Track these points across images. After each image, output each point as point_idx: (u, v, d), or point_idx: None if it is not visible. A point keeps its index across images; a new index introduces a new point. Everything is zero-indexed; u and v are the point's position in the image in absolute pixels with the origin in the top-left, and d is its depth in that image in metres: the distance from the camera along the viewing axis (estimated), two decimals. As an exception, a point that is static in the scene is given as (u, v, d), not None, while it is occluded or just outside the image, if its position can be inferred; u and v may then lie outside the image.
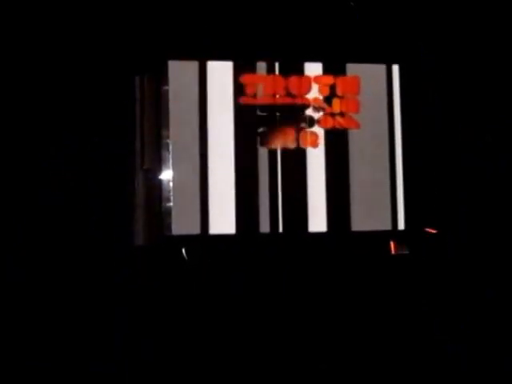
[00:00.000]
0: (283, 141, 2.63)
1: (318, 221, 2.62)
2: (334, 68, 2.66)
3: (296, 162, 2.64)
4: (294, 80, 2.64)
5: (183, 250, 2.54)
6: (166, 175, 2.58)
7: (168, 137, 2.58)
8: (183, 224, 2.57)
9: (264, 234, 2.61)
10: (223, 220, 2.59)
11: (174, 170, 2.57)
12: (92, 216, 2.52)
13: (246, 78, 2.63)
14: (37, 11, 2.55)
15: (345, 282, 2.60)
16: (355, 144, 2.67)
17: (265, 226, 2.61)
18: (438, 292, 2.63)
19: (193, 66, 2.61)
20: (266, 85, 2.63)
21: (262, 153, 2.64)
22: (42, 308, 2.45)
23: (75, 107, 2.55)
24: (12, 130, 2.52)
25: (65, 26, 2.56)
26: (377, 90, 2.69)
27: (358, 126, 2.66)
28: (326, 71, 2.66)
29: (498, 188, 2.69)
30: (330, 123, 2.65)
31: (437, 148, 2.70)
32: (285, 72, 2.65)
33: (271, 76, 2.64)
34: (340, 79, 2.66)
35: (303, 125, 2.64)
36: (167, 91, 2.58)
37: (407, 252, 2.65)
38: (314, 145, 2.64)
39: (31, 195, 2.50)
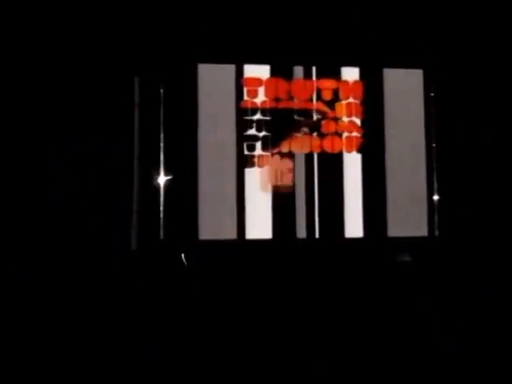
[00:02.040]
0: (287, 146, 2.59)
1: (354, 226, 2.58)
2: (370, 73, 2.65)
3: (333, 167, 2.61)
4: (296, 84, 2.62)
5: (182, 256, 2.49)
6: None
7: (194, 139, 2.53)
8: (218, 229, 2.50)
9: (300, 239, 2.56)
10: (260, 225, 2.54)
11: (206, 174, 2.52)
12: (92, 216, 2.48)
13: (246, 81, 2.59)
14: (40, 12, 2.51)
15: (381, 287, 2.56)
16: (392, 149, 2.65)
17: (301, 231, 2.56)
18: (438, 292, 2.61)
19: (227, 70, 2.58)
20: (267, 88, 2.60)
21: (299, 157, 2.60)
22: (42, 308, 2.41)
23: (76, 107, 2.51)
24: (12, 131, 2.48)
25: (66, 26, 2.52)
26: (414, 95, 2.70)
27: (360, 130, 2.64)
28: (362, 76, 2.65)
29: (498, 188, 2.69)
30: (333, 128, 2.63)
31: (466, 152, 2.72)
32: (321, 76, 2.63)
33: (273, 79, 2.61)
34: (343, 84, 2.65)
35: (305, 129, 2.61)
36: (171, 94, 2.54)
37: (411, 259, 2.64)
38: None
39: (31, 195, 2.47)
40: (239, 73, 2.58)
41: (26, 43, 2.48)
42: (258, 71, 2.59)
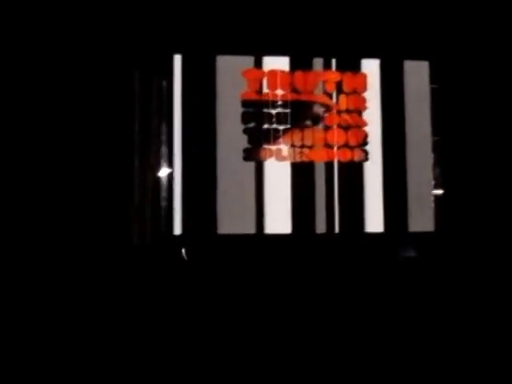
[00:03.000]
0: (290, 138, 2.55)
1: (374, 221, 2.54)
2: (391, 65, 2.60)
3: (353, 161, 2.56)
4: (299, 76, 2.57)
5: (183, 251, 2.46)
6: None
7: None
8: (236, 223, 2.48)
9: (320, 234, 2.52)
10: (279, 219, 2.51)
11: (225, 167, 2.49)
12: (92, 212, 2.43)
13: (248, 73, 2.55)
14: (34, 5, 2.46)
15: (402, 282, 2.52)
16: (412, 144, 2.60)
17: (321, 226, 2.52)
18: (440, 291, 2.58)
19: (246, 62, 2.55)
20: (269, 80, 2.56)
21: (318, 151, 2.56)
22: (39, 306, 2.36)
23: (73, 102, 2.46)
24: (8, 125, 2.42)
25: (62, 19, 2.47)
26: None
27: (364, 123, 2.59)
28: (382, 68, 2.60)
29: (504, 182, 2.65)
30: (336, 121, 2.59)
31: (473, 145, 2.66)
32: (342, 68, 2.59)
33: (275, 71, 2.56)
34: (347, 76, 2.60)
35: (308, 122, 2.57)
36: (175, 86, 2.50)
37: (415, 255, 2.59)
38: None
39: (28, 191, 2.41)
40: (258, 64, 2.55)
41: (23, 39, 2.43)
42: (277, 63, 2.55)
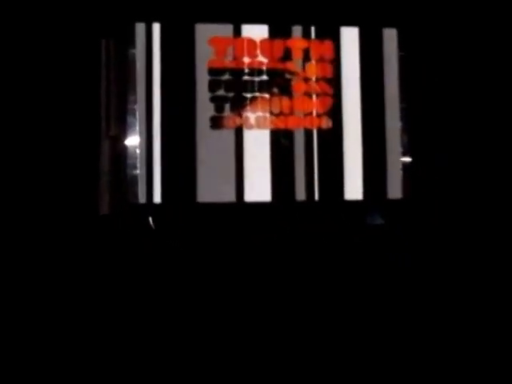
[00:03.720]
0: (255, 107, 2.53)
1: (354, 188, 2.55)
2: (370, 33, 2.60)
3: (332, 128, 2.57)
4: (265, 43, 2.56)
5: (150, 219, 2.44)
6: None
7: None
8: (215, 191, 2.47)
9: (300, 202, 2.53)
10: (259, 187, 2.51)
11: (204, 134, 2.48)
12: (58, 183, 2.38)
13: (214, 41, 2.53)
14: None
15: (382, 250, 2.54)
16: (392, 111, 2.61)
17: (301, 194, 2.53)
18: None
19: (225, 30, 2.53)
20: (235, 48, 2.54)
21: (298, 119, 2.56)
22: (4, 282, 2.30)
23: (35, 70, 2.40)
24: None
25: None
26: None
27: (331, 91, 2.59)
28: (361, 36, 2.60)
29: (473, 149, 2.66)
30: (303, 89, 2.58)
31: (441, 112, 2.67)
32: (320, 36, 2.58)
33: (241, 38, 2.55)
34: (314, 43, 2.59)
35: (275, 90, 2.55)
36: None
37: (382, 222, 2.60)
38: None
39: None
40: (237, 33, 2.53)
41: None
42: (256, 31, 2.54)
